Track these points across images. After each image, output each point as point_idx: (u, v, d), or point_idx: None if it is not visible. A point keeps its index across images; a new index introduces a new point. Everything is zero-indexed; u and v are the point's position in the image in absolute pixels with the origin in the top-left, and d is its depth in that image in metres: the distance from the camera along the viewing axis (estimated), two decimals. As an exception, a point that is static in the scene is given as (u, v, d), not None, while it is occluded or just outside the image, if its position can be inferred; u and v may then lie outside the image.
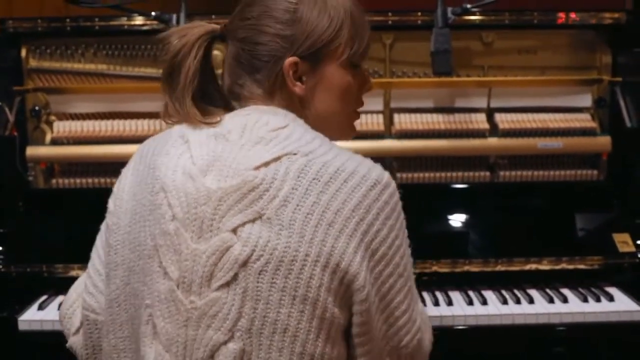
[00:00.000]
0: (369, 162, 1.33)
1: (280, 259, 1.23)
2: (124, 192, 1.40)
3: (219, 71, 1.50)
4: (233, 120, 1.36)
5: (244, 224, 1.25)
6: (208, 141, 1.34)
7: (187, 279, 1.27)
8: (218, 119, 1.38)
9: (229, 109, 1.43)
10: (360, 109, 2.56)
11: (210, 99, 1.45)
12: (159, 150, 1.37)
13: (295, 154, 1.29)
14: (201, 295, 1.26)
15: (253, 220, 1.25)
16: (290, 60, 1.37)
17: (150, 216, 1.32)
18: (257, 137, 1.31)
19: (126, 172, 1.43)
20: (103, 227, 1.45)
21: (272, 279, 1.23)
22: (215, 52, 1.51)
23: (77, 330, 1.48)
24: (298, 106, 1.41)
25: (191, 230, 1.28)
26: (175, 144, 1.36)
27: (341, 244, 1.24)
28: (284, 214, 1.24)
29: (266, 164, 1.28)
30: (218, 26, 1.45)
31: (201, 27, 1.44)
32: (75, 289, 1.53)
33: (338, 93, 1.43)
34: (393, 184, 1.33)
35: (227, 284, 1.25)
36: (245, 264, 1.24)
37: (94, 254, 1.47)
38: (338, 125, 1.47)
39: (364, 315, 1.27)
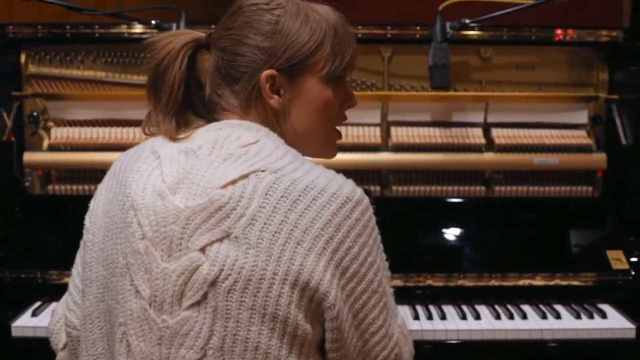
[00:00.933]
0: (340, 179, 1.31)
1: (248, 278, 1.23)
2: (98, 208, 1.39)
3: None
4: (205, 136, 1.35)
5: (212, 243, 1.24)
6: (179, 157, 1.33)
7: (159, 297, 1.26)
8: (188, 133, 1.36)
9: (210, 119, 1.42)
10: (358, 122, 2.60)
11: (193, 108, 1.43)
12: (130, 166, 1.36)
13: (263, 170, 1.27)
14: (173, 314, 1.26)
15: (221, 239, 1.24)
16: (267, 72, 1.35)
17: (122, 234, 1.31)
18: (226, 154, 1.30)
19: (101, 188, 1.42)
20: (81, 243, 1.44)
21: (241, 297, 1.23)
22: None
23: (64, 346, 1.48)
24: (273, 120, 1.39)
25: (161, 249, 1.27)
26: (147, 160, 1.35)
27: (310, 263, 1.23)
28: (251, 233, 1.23)
29: (234, 182, 1.26)
30: (203, 34, 1.44)
31: (187, 34, 1.43)
32: (61, 304, 1.52)
33: (316, 108, 1.40)
34: (366, 200, 1.31)
35: (198, 303, 1.24)
36: (214, 283, 1.23)
37: (74, 271, 1.46)
38: (316, 142, 1.44)
39: (335, 332, 1.27)
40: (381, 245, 1.35)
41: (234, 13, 1.41)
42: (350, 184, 1.31)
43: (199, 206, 1.26)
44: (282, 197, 1.25)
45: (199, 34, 1.44)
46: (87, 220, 1.41)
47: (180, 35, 1.42)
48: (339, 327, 1.27)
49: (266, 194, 1.25)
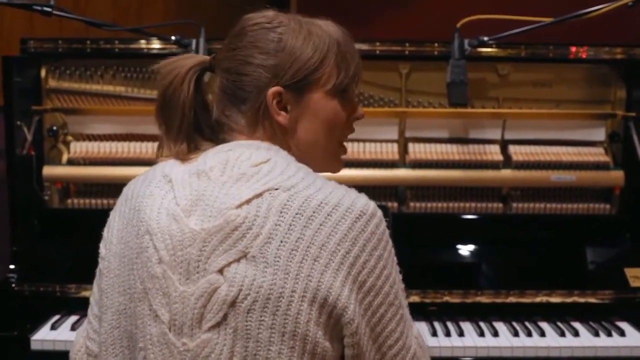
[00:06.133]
0: (353, 193, 1.31)
1: (267, 297, 1.23)
2: (112, 236, 1.39)
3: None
4: (215, 157, 1.35)
5: (229, 264, 1.25)
6: (191, 180, 1.33)
7: (178, 321, 1.27)
8: (198, 155, 1.38)
9: (218, 141, 1.43)
10: (375, 138, 2.61)
11: (201, 131, 1.44)
12: (143, 192, 1.36)
13: (277, 189, 1.27)
14: (193, 337, 1.26)
15: (238, 260, 1.24)
16: (273, 89, 1.36)
17: (138, 259, 1.32)
18: (238, 174, 1.31)
19: (114, 215, 1.42)
20: (97, 272, 1.43)
21: (261, 317, 1.23)
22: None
23: None
24: (282, 137, 1.40)
25: (178, 273, 1.27)
26: (159, 185, 1.36)
27: (328, 278, 1.23)
28: (268, 251, 1.24)
29: (248, 201, 1.27)
30: (208, 57, 1.46)
31: (191, 58, 1.44)
32: (80, 333, 1.51)
33: (323, 122, 1.41)
34: (379, 213, 1.32)
35: (218, 325, 1.24)
36: (233, 304, 1.23)
37: (92, 300, 1.46)
38: (323, 156, 1.45)
39: (356, 347, 1.27)
40: (395, 258, 1.35)
41: (236, 34, 1.42)
42: (363, 198, 1.31)
43: (215, 227, 1.26)
44: (296, 214, 1.26)
45: (203, 57, 1.46)
46: (103, 248, 1.41)
47: (186, 60, 1.43)
48: (358, 342, 1.26)
49: (281, 212, 1.26)
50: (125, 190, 1.43)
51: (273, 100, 1.36)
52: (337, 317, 1.25)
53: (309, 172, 1.34)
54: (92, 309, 1.45)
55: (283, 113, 1.38)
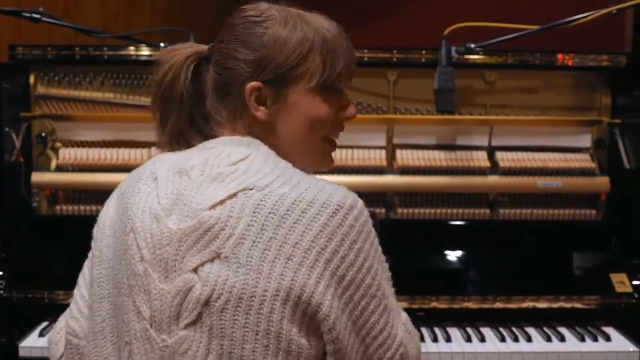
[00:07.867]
0: (330, 188, 1.31)
1: (240, 296, 1.25)
2: (105, 225, 1.42)
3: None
4: (198, 155, 1.38)
5: (203, 263, 1.27)
6: (173, 178, 1.35)
7: (158, 318, 1.29)
8: (185, 150, 1.42)
9: (207, 135, 1.45)
10: (363, 144, 2.63)
11: (193, 123, 1.46)
12: (132, 188, 1.39)
13: (251, 189, 1.29)
14: (171, 333, 1.28)
15: (211, 260, 1.27)
16: (251, 85, 1.37)
17: (124, 256, 1.35)
18: (216, 173, 1.33)
19: (109, 203, 1.45)
20: (90, 253, 1.46)
21: (234, 316, 1.25)
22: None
23: (61, 356, 1.49)
24: (261, 132, 1.41)
25: (158, 271, 1.30)
26: (147, 182, 1.38)
27: (302, 276, 1.25)
28: (241, 252, 1.26)
29: (222, 202, 1.29)
30: (205, 47, 1.47)
31: (188, 47, 1.46)
32: (64, 316, 1.53)
33: (304, 119, 1.41)
34: (359, 205, 1.32)
35: (194, 323, 1.27)
36: (207, 303, 1.26)
37: (80, 279, 1.48)
38: (304, 152, 1.45)
39: (336, 342, 1.27)
40: (379, 247, 1.35)
41: (227, 26, 1.44)
42: (340, 192, 1.31)
43: (190, 228, 1.29)
44: (270, 213, 1.27)
45: (201, 46, 1.47)
46: (95, 232, 1.44)
47: (183, 49, 1.46)
48: (337, 337, 1.27)
49: (254, 212, 1.27)
50: (121, 182, 1.46)
51: (251, 95, 1.38)
52: (312, 314, 1.26)
53: (287, 168, 1.35)
54: (80, 288, 1.47)
55: (262, 108, 1.39)
